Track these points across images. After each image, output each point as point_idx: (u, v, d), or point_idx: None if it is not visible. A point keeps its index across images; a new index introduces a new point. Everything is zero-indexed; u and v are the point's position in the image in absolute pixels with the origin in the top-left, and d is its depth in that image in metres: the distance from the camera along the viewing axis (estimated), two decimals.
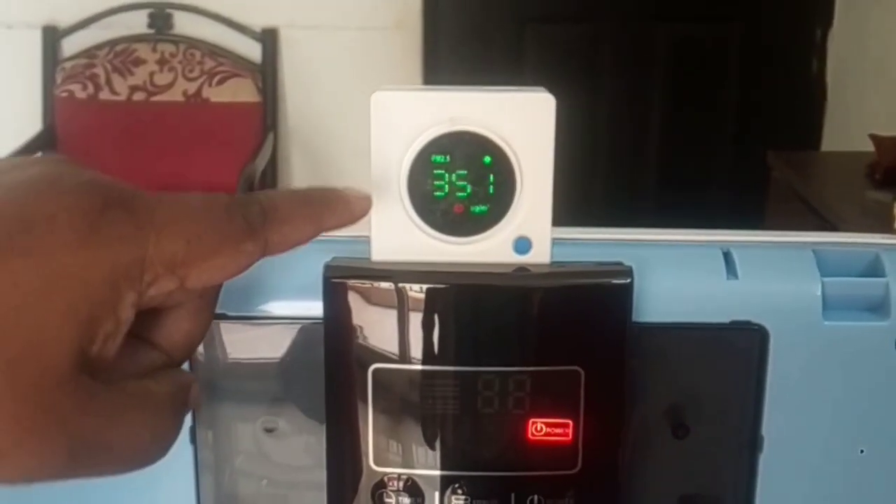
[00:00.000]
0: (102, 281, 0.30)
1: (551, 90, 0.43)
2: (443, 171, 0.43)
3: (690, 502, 0.47)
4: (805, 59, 2.83)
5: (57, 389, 0.29)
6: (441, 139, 0.42)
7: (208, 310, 0.36)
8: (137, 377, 0.33)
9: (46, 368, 0.29)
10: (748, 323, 0.44)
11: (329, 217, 0.37)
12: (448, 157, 0.43)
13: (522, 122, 0.42)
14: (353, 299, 0.43)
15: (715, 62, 2.83)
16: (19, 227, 0.29)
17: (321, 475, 0.45)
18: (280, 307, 0.45)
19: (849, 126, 2.66)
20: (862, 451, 0.45)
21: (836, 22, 2.80)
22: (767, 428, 0.45)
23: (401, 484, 0.44)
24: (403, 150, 0.42)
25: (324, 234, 0.37)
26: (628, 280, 0.43)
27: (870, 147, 2.09)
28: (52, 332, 0.29)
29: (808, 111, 2.82)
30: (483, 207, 0.43)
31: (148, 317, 0.34)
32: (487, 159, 0.43)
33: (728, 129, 2.86)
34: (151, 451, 0.33)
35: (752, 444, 0.45)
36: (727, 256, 0.45)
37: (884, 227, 1.71)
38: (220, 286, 0.36)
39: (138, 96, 2.64)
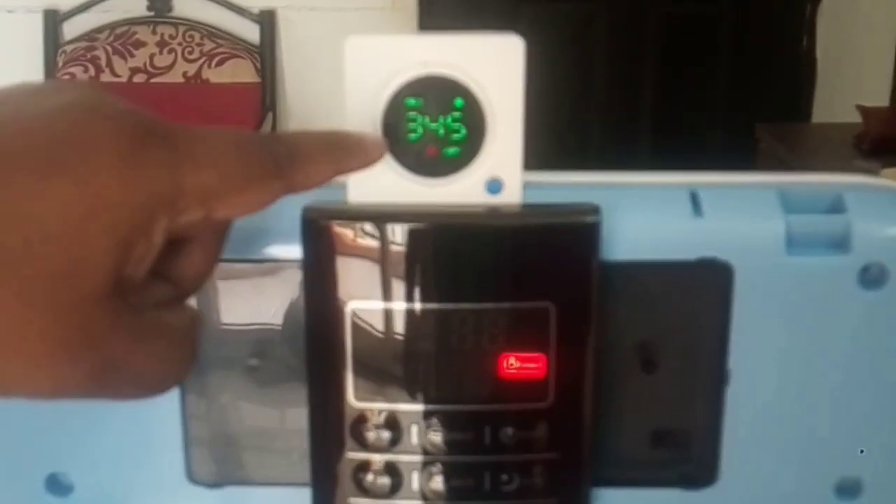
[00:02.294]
0: (140, 205, 0.31)
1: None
2: (416, 114, 0.44)
3: (660, 436, 0.48)
4: (795, 35, 2.84)
5: (93, 307, 0.30)
6: (414, 83, 0.44)
7: (219, 245, 0.37)
8: (153, 309, 0.34)
9: (86, 286, 0.29)
10: (714, 260, 0.46)
11: (348, 160, 0.40)
12: (421, 100, 0.44)
13: (492, 65, 0.44)
14: (331, 240, 0.44)
15: (707, 39, 2.84)
16: (64, 148, 0.29)
17: (303, 412, 0.47)
18: (261, 249, 0.46)
19: (838, 101, 2.67)
20: (824, 381, 0.47)
21: None
22: (734, 361, 0.46)
23: (380, 419, 0.46)
24: (377, 94, 0.44)
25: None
26: (596, 218, 0.44)
27: (858, 121, 2.11)
28: (93, 251, 0.29)
29: (798, 86, 2.83)
30: (455, 149, 0.44)
31: (163, 250, 0.34)
32: (459, 102, 0.44)
33: (719, 105, 2.87)
34: (168, 379, 0.34)
35: (719, 377, 0.47)
36: (694, 196, 0.46)
37: None
38: (231, 222, 0.37)
39: (139, 78, 2.66)
